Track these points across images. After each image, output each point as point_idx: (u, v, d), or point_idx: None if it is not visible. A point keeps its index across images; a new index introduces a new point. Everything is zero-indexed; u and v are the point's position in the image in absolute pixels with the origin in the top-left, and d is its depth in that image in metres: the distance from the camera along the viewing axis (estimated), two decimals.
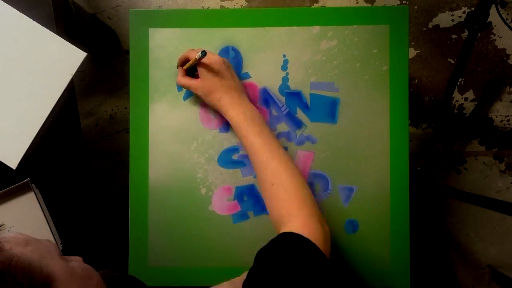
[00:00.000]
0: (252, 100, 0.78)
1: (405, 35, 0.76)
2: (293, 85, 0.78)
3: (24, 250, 0.42)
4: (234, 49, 0.78)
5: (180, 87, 0.78)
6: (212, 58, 0.69)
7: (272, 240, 0.59)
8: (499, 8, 1.36)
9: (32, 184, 0.79)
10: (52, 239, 0.79)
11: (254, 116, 0.70)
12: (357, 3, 1.45)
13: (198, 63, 0.70)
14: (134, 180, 0.79)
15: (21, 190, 0.79)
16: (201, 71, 0.70)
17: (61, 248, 0.79)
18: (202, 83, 0.70)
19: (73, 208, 0.83)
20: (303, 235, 0.57)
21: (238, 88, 0.72)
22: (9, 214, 0.80)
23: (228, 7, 1.48)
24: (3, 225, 0.80)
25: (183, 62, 0.74)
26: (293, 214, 0.62)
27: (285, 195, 0.64)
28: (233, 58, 0.78)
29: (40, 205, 0.78)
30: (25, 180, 0.78)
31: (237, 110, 0.69)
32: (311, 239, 0.57)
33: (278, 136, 0.78)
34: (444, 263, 1.44)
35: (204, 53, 0.65)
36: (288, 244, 0.57)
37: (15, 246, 0.42)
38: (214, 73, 0.69)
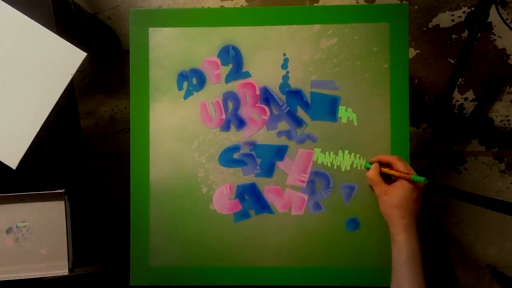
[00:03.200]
0: (252, 99, 0.78)
1: (405, 33, 0.76)
2: (293, 84, 0.78)
3: None
4: (234, 48, 0.78)
5: (181, 85, 0.78)
6: (419, 179, 0.67)
7: None
8: (499, 8, 1.36)
9: (66, 196, 0.79)
10: (65, 252, 0.79)
11: (418, 254, 0.67)
12: (357, 2, 1.45)
13: (407, 179, 0.68)
14: (135, 180, 0.79)
15: (54, 198, 0.80)
16: (404, 183, 0.68)
17: (71, 266, 0.79)
18: (396, 194, 0.68)
19: (73, 209, 0.83)
20: None
21: (418, 217, 0.69)
22: (35, 215, 0.81)
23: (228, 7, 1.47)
24: (25, 221, 0.80)
25: (382, 162, 0.73)
26: None
27: None
28: (233, 57, 0.78)
29: (66, 218, 0.79)
30: (61, 190, 0.79)
31: (410, 237, 0.66)
32: None
33: (278, 134, 0.78)
34: (444, 263, 1.43)
35: (415, 178, 0.65)
36: None
37: None
38: (414, 194, 0.67)
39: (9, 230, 0.80)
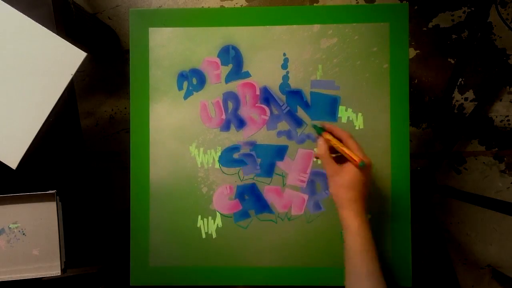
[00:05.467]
0: (252, 99, 0.78)
1: (405, 32, 0.76)
2: (293, 84, 0.78)
3: None
4: (234, 48, 0.78)
5: (181, 85, 0.78)
6: (369, 162, 0.66)
7: None
8: (499, 8, 1.36)
9: (57, 197, 0.79)
10: (58, 252, 0.79)
11: (370, 238, 0.65)
12: (357, 2, 1.45)
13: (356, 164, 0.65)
14: (135, 180, 0.79)
15: (45, 198, 0.80)
16: (352, 165, 0.66)
17: (63, 267, 0.79)
18: (347, 175, 0.65)
19: (73, 209, 0.83)
20: None
21: (367, 200, 0.68)
22: (27, 216, 0.81)
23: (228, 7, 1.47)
24: (17, 222, 0.80)
25: (329, 131, 0.69)
26: None
27: None
28: (233, 57, 0.78)
29: (58, 218, 0.79)
30: (52, 191, 0.79)
31: (362, 223, 0.64)
32: None
33: (278, 134, 0.78)
34: (444, 263, 1.44)
35: (362, 164, 0.63)
36: None
37: None
38: (364, 177, 0.65)
39: (1, 232, 0.80)
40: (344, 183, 0.65)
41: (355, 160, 0.63)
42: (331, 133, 0.69)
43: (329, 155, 0.67)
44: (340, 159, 0.67)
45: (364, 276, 0.64)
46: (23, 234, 0.80)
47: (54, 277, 0.82)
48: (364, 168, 0.64)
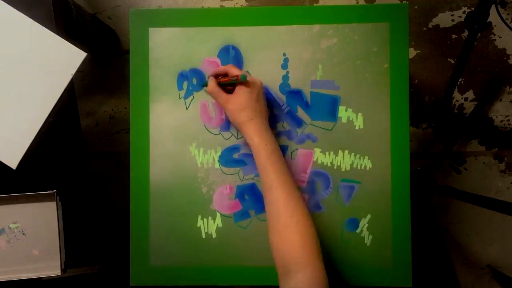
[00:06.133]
0: None
1: (405, 32, 0.76)
2: (293, 84, 0.78)
3: None
4: (234, 48, 0.78)
5: (181, 85, 0.78)
6: (254, 79, 0.70)
7: None
8: (499, 8, 1.36)
9: (57, 197, 0.79)
10: (58, 252, 0.79)
11: (276, 150, 0.68)
12: (357, 2, 1.45)
13: (238, 83, 0.70)
14: (135, 180, 0.79)
15: (45, 198, 0.80)
16: (240, 87, 0.70)
17: (63, 267, 0.79)
18: (238, 99, 0.69)
19: (73, 209, 0.83)
20: None
21: (267, 117, 0.72)
22: (27, 216, 0.81)
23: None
24: (17, 222, 0.80)
25: (218, 74, 0.74)
26: (304, 263, 0.59)
27: (300, 240, 0.61)
28: (233, 57, 0.78)
29: (58, 218, 0.79)
30: (52, 191, 0.79)
31: (263, 138, 0.67)
32: None
33: (278, 134, 0.78)
34: (444, 263, 1.44)
35: (244, 78, 0.67)
36: None
37: None
38: (253, 93, 0.69)
39: (1, 232, 0.80)
40: (235, 106, 0.69)
41: (237, 77, 0.68)
42: (216, 75, 0.74)
43: (218, 88, 0.71)
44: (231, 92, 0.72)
45: (273, 188, 0.65)
46: (23, 234, 0.80)
47: (54, 277, 0.82)
48: (249, 82, 0.69)
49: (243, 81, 0.68)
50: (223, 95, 0.71)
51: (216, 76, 0.74)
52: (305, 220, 0.63)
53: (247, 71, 0.66)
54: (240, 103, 0.69)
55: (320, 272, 0.59)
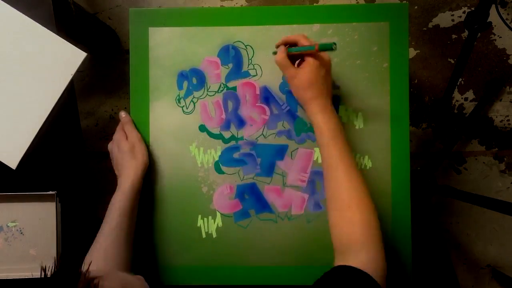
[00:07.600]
0: (252, 99, 0.78)
1: (405, 32, 0.76)
2: None
3: None
4: (234, 47, 0.78)
5: (181, 85, 0.78)
6: (326, 56, 0.67)
7: (336, 272, 0.57)
8: (499, 8, 1.36)
9: (57, 198, 0.79)
10: (55, 252, 0.79)
11: (340, 131, 0.67)
12: (357, 2, 1.45)
13: (314, 54, 0.66)
14: None
15: (45, 199, 0.80)
16: (308, 62, 0.66)
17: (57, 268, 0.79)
18: (306, 75, 0.66)
19: (73, 209, 0.83)
20: (369, 271, 0.55)
21: (331, 96, 0.69)
22: (26, 215, 0.80)
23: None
24: (16, 221, 0.80)
25: (288, 43, 0.70)
26: (365, 244, 0.59)
27: (361, 221, 0.61)
28: (233, 57, 0.78)
29: (56, 219, 0.79)
30: (52, 192, 0.79)
31: (328, 119, 0.66)
32: (375, 277, 0.55)
33: (278, 134, 0.78)
34: (444, 263, 1.43)
35: (330, 46, 0.62)
36: (353, 282, 0.55)
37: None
38: (321, 70, 0.66)
39: None
40: (302, 83, 0.66)
41: (315, 45, 0.63)
42: (286, 43, 0.70)
43: (287, 60, 0.68)
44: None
45: (334, 168, 0.65)
46: (21, 233, 0.80)
47: None
48: (320, 57, 0.65)
49: (321, 50, 0.63)
50: (291, 69, 0.67)
51: (285, 44, 0.70)
52: (368, 201, 0.63)
53: (334, 43, 0.61)
54: (307, 80, 0.66)
55: (381, 256, 0.59)
